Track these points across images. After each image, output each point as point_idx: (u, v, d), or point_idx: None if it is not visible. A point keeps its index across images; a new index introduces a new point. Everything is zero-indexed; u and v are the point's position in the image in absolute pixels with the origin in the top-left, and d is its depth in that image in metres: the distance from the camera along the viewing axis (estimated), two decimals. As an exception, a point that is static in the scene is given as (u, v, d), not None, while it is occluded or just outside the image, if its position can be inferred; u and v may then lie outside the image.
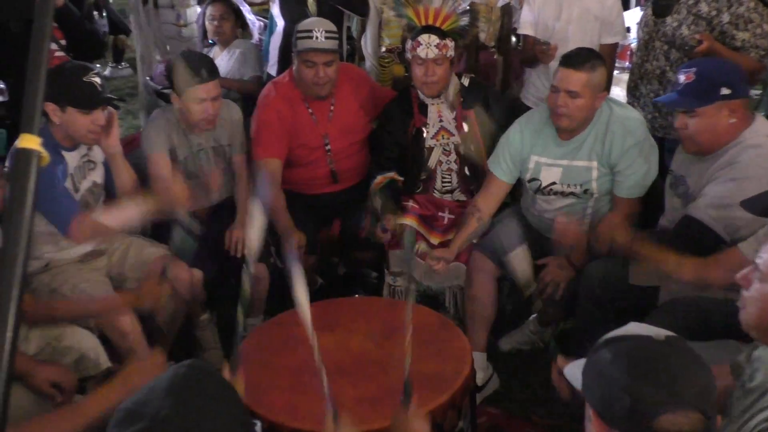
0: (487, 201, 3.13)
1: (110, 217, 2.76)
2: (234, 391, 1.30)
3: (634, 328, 1.40)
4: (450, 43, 3.11)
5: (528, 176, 3.03)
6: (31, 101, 1.07)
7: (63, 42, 3.51)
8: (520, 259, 2.42)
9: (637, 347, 1.31)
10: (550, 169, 2.96)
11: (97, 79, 2.68)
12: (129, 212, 2.77)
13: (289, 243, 2.72)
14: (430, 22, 3.13)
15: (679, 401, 1.24)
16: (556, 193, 2.99)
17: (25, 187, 1.03)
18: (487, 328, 3.07)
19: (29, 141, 1.04)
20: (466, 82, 3.27)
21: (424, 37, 3.08)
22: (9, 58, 3.38)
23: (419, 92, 3.23)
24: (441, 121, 3.24)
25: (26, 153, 1.04)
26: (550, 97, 2.85)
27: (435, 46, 3.06)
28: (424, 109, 3.25)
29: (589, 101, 2.80)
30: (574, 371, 1.48)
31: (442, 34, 3.09)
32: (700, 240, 2.48)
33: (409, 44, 3.16)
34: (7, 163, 2.60)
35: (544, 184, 2.99)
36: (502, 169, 3.07)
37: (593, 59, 2.80)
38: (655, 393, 1.24)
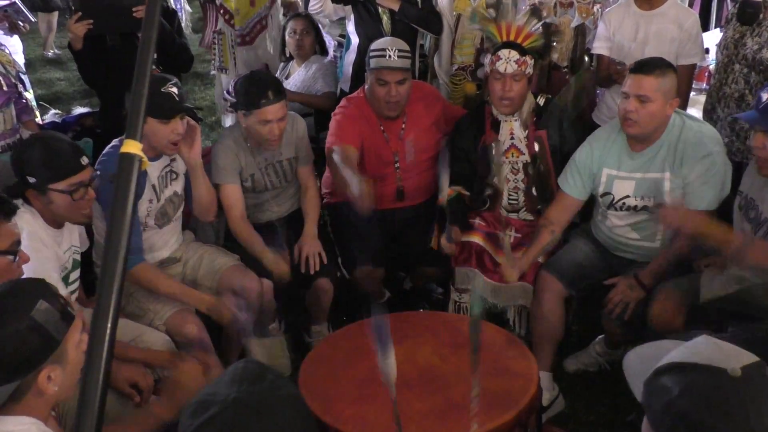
0: (559, 215, 3.12)
1: (166, 285, 2.83)
2: (290, 381, 1.38)
3: (702, 348, 1.31)
4: (529, 60, 3.11)
5: (601, 190, 3.01)
6: (136, 108, 1.15)
7: (154, 56, 3.65)
8: None
9: (712, 386, 1.23)
10: (622, 182, 2.94)
11: (175, 89, 2.78)
12: (185, 297, 2.84)
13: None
14: (512, 38, 3.13)
15: None
16: (629, 208, 2.96)
17: (127, 188, 1.10)
18: (554, 347, 3.06)
19: (132, 146, 1.12)
20: (541, 101, 3.26)
21: (504, 52, 3.08)
22: (103, 70, 3.55)
23: (493, 109, 3.24)
24: (512, 139, 3.24)
25: (129, 157, 1.12)
26: (621, 104, 2.83)
27: (515, 61, 3.06)
28: (496, 125, 3.25)
29: (660, 107, 2.76)
30: (634, 368, 1.42)
31: (522, 51, 3.09)
32: None
33: (488, 59, 3.17)
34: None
35: (617, 198, 2.96)
36: (569, 185, 3.07)
37: (663, 65, 2.77)
38: None
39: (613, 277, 2.98)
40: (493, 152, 3.24)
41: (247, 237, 3.17)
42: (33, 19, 6.00)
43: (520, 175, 3.28)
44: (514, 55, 3.07)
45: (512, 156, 3.27)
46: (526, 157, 3.25)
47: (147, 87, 1.17)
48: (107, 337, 1.07)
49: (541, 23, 3.17)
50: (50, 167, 2.40)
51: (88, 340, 1.06)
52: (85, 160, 2.48)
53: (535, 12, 3.20)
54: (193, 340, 2.77)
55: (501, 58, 3.08)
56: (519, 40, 3.12)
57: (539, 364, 2.82)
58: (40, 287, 1.69)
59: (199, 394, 1.32)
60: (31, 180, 2.40)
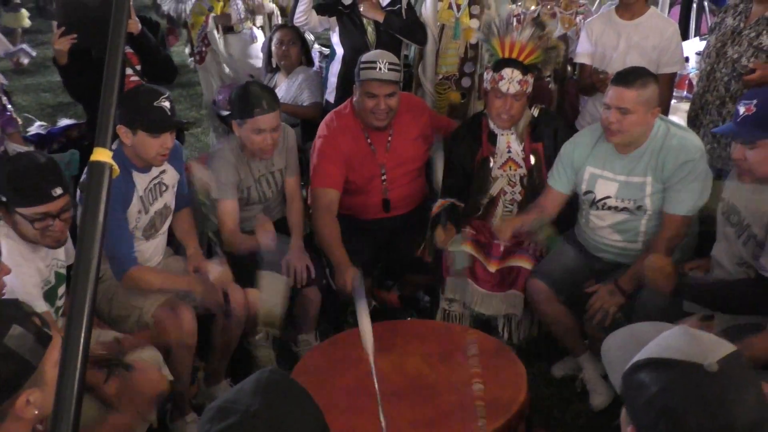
0: (548, 205, 3.15)
1: (161, 279, 2.88)
2: (311, 396, 1.36)
3: (678, 342, 1.29)
4: (530, 79, 3.13)
5: (583, 188, 3.04)
6: (105, 117, 1.14)
7: (138, 67, 3.65)
8: None
9: (689, 383, 1.23)
10: (606, 182, 2.97)
11: (167, 104, 2.78)
12: (178, 284, 2.89)
13: (357, 280, 2.81)
14: (513, 55, 3.14)
15: None
16: (609, 208, 2.99)
17: (98, 198, 1.10)
18: (577, 333, 3.11)
19: (102, 154, 1.11)
20: (536, 113, 3.28)
21: (507, 72, 3.10)
22: (89, 83, 3.53)
23: (490, 122, 3.26)
24: (509, 152, 3.27)
25: (99, 165, 1.11)
26: (603, 113, 2.87)
27: (517, 82, 3.08)
28: (493, 138, 3.27)
29: (642, 117, 2.80)
30: (612, 356, 1.41)
31: (524, 70, 3.11)
32: None
33: (489, 75, 3.18)
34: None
35: (598, 197, 3.00)
36: (554, 179, 3.11)
37: (644, 76, 2.81)
38: (709, 429, 1.20)
39: (597, 282, 3.00)
40: (491, 165, 3.27)
41: (241, 244, 3.17)
42: (33, 54, 6.20)
43: (518, 188, 3.32)
44: (517, 75, 3.09)
45: (510, 169, 3.30)
46: (524, 170, 3.28)
47: (116, 96, 1.17)
48: (81, 346, 1.06)
49: (543, 32, 3.16)
50: (16, 191, 2.35)
51: (62, 349, 1.05)
52: (57, 192, 2.37)
53: (537, 22, 3.22)
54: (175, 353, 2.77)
55: (504, 78, 3.09)
56: (521, 58, 3.13)
57: (575, 353, 3.07)
58: (12, 311, 1.60)
59: (219, 399, 1.32)
60: (2, 198, 2.37)
